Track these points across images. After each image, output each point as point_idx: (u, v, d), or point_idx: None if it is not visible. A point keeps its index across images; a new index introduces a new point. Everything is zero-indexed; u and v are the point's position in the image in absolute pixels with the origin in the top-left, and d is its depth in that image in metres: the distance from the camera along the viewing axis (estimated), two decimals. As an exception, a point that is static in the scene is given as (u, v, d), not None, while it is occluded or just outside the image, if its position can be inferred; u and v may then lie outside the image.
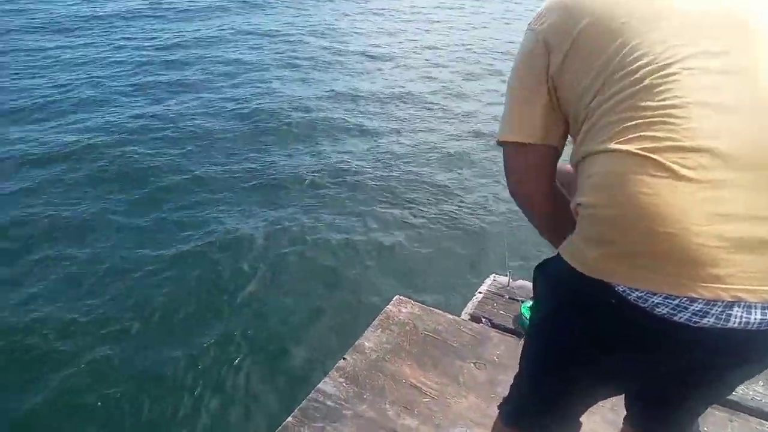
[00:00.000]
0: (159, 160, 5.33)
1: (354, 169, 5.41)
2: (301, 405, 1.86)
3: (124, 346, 3.18)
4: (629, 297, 0.83)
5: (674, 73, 0.83)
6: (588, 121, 0.91)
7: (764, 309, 0.80)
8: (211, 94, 7.02)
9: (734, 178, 0.79)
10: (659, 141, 0.81)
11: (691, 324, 0.81)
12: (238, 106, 6.71)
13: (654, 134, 0.81)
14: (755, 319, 0.80)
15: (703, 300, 0.79)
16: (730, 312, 0.79)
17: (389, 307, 2.35)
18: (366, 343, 2.13)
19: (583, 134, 0.92)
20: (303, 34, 10.09)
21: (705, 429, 1.74)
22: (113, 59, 8.13)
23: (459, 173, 5.46)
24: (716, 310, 0.80)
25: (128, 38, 9.18)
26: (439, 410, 1.85)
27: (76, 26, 9.60)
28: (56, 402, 2.80)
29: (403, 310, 2.33)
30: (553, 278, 1.01)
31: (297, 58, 8.77)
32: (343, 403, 1.86)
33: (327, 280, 3.87)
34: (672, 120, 0.81)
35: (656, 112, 0.82)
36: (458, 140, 6.14)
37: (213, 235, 4.23)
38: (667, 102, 0.82)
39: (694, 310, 0.80)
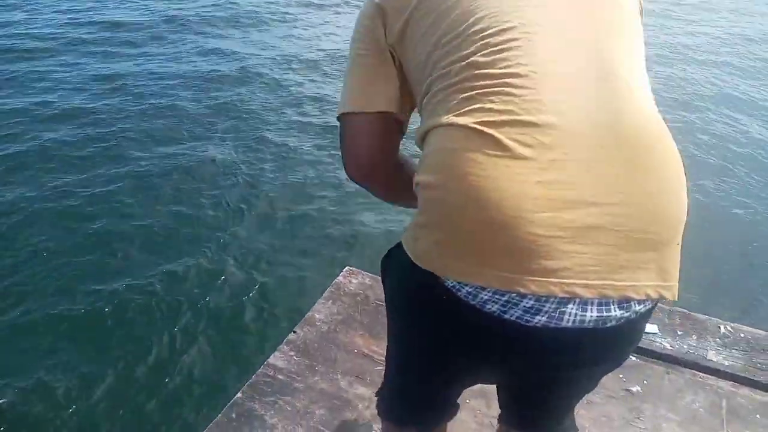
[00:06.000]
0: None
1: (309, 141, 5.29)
2: (250, 380, 1.82)
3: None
4: (459, 293, 0.74)
5: (516, 39, 0.74)
6: (429, 93, 0.81)
7: (601, 306, 0.71)
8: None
9: (579, 159, 0.68)
10: (498, 114, 0.70)
11: (522, 322, 0.72)
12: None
13: (492, 106, 0.71)
14: (591, 317, 0.71)
15: (534, 296, 0.70)
16: (564, 309, 0.70)
17: (339, 278, 2.32)
18: (316, 315, 2.10)
19: (425, 108, 0.83)
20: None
21: (645, 381, 1.82)
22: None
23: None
24: (549, 308, 0.70)
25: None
26: (391, 378, 1.85)
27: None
28: None
29: (354, 281, 2.31)
30: (394, 265, 0.89)
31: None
32: (294, 376, 1.83)
33: (275, 253, 3.79)
34: (513, 90, 0.71)
35: (496, 81, 0.72)
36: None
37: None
38: (510, 70, 0.72)
39: (524, 306, 0.71)
